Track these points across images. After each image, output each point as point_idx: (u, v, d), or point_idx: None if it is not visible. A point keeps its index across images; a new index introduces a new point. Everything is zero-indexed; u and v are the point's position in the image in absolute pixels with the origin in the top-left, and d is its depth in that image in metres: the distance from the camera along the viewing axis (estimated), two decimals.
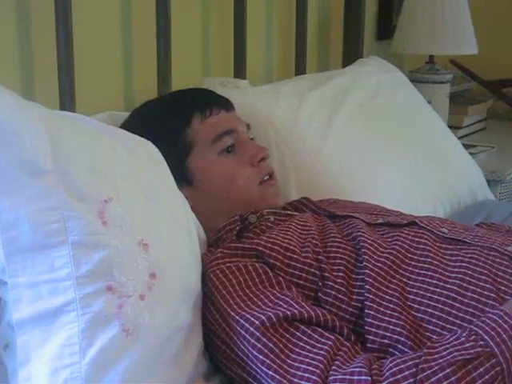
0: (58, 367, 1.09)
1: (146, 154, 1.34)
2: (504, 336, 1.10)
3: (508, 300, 1.22)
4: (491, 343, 1.09)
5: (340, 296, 1.27)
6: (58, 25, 1.60)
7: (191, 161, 1.51)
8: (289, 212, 1.53)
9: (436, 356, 1.09)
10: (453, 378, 1.06)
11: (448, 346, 1.11)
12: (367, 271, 1.29)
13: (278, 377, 1.14)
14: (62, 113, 1.41)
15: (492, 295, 1.24)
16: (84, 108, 1.63)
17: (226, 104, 1.60)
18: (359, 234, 1.37)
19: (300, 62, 2.40)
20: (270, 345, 1.17)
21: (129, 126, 1.54)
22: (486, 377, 1.07)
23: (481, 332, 1.12)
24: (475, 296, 1.24)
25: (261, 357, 1.16)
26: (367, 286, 1.27)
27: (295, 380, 1.13)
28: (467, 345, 1.10)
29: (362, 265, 1.31)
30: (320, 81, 2.11)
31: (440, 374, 1.06)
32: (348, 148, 1.96)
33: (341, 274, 1.30)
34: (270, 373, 1.15)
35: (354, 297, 1.27)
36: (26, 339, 1.10)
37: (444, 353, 1.10)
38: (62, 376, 1.09)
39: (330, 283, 1.29)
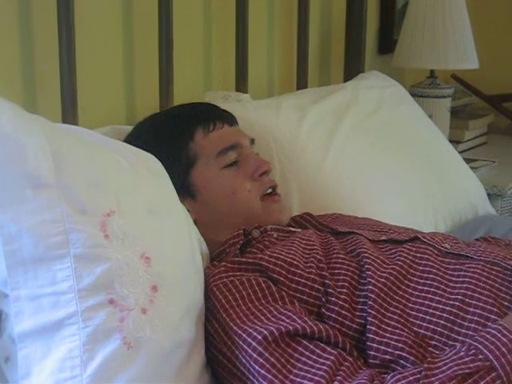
0: (59, 380, 1.09)
1: (149, 168, 1.34)
2: (503, 349, 1.10)
3: (507, 315, 1.22)
4: (491, 357, 1.09)
5: (343, 312, 1.27)
6: (61, 37, 1.60)
7: (194, 174, 1.51)
8: (292, 229, 1.53)
9: (436, 371, 1.09)
10: None
11: (447, 360, 1.11)
12: (370, 287, 1.28)
13: None
14: (65, 126, 1.42)
15: (495, 310, 1.24)
16: (86, 121, 1.63)
17: (229, 118, 1.60)
18: (362, 250, 1.37)
19: (301, 76, 2.40)
20: (272, 360, 1.17)
21: (132, 139, 1.54)
22: None
23: (480, 346, 1.12)
24: (477, 311, 1.24)
25: (262, 372, 1.16)
26: (370, 302, 1.26)
27: None
28: (467, 359, 1.10)
29: (365, 281, 1.30)
30: (321, 95, 2.11)
31: None
32: (349, 162, 1.96)
33: (344, 290, 1.30)
34: None
35: (358, 313, 1.27)
36: (27, 352, 1.10)
37: (444, 367, 1.09)
38: None
39: (333, 299, 1.29)
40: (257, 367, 1.17)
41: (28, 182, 1.11)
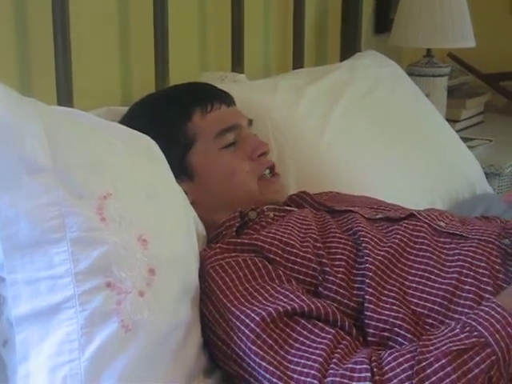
0: (57, 364, 1.09)
1: (145, 150, 1.34)
2: (497, 326, 1.11)
3: (500, 293, 1.22)
4: (485, 333, 1.10)
5: (341, 291, 1.27)
6: (56, 19, 1.59)
7: (192, 155, 1.51)
8: (288, 208, 1.53)
9: (431, 348, 1.10)
10: (449, 368, 1.06)
11: (442, 338, 1.12)
12: (368, 265, 1.29)
13: (278, 372, 1.14)
14: (61, 108, 1.40)
15: (489, 288, 1.25)
16: (81, 103, 1.62)
17: (226, 98, 1.59)
18: (359, 228, 1.37)
19: (298, 57, 2.40)
20: (270, 341, 1.17)
21: (128, 120, 1.54)
22: (482, 366, 1.07)
23: (474, 323, 1.12)
24: (473, 289, 1.25)
25: (261, 353, 1.16)
26: (367, 280, 1.27)
27: (295, 376, 1.13)
28: (462, 336, 1.11)
29: (362, 260, 1.31)
30: (317, 75, 2.11)
31: (436, 365, 1.07)
32: (346, 142, 1.96)
33: (341, 269, 1.30)
34: (271, 368, 1.15)
35: (355, 292, 1.28)
36: (24, 336, 1.10)
37: (439, 344, 1.10)
38: (62, 373, 1.08)
39: (331, 278, 1.29)
40: (255, 348, 1.17)
41: (24, 167, 1.11)
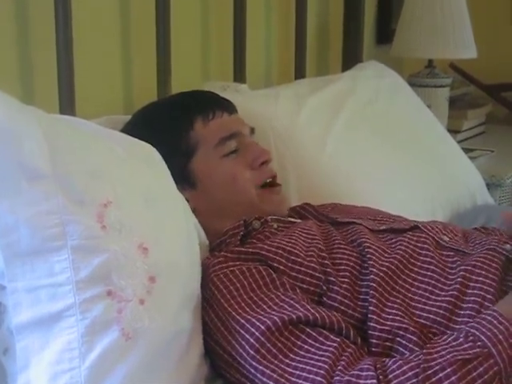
0: (57, 372, 1.09)
1: (146, 157, 1.34)
2: (500, 337, 1.11)
3: (500, 300, 1.23)
4: (489, 344, 1.10)
5: (346, 301, 1.28)
6: (58, 28, 1.60)
7: (194, 163, 1.51)
8: (292, 220, 1.53)
9: (436, 355, 1.10)
10: (453, 378, 1.07)
11: (446, 346, 1.12)
12: (372, 276, 1.29)
13: (282, 380, 1.14)
14: (60, 116, 1.41)
15: (489, 296, 1.25)
16: (83, 112, 1.63)
17: (228, 107, 1.59)
18: (364, 240, 1.37)
19: (299, 67, 2.40)
20: (274, 351, 1.17)
21: (131, 128, 1.54)
22: (485, 377, 1.08)
23: (478, 333, 1.13)
24: (472, 298, 1.25)
25: (264, 362, 1.17)
26: (371, 291, 1.27)
27: (300, 381, 1.13)
28: (466, 346, 1.11)
29: (367, 271, 1.31)
30: (319, 85, 2.11)
31: (441, 374, 1.07)
32: (347, 152, 1.96)
33: (346, 279, 1.30)
34: (274, 376, 1.15)
35: (360, 303, 1.28)
36: (25, 344, 1.10)
37: (443, 352, 1.11)
38: (62, 381, 1.08)
39: (335, 288, 1.29)
40: (258, 357, 1.17)
41: (24, 174, 1.10)
